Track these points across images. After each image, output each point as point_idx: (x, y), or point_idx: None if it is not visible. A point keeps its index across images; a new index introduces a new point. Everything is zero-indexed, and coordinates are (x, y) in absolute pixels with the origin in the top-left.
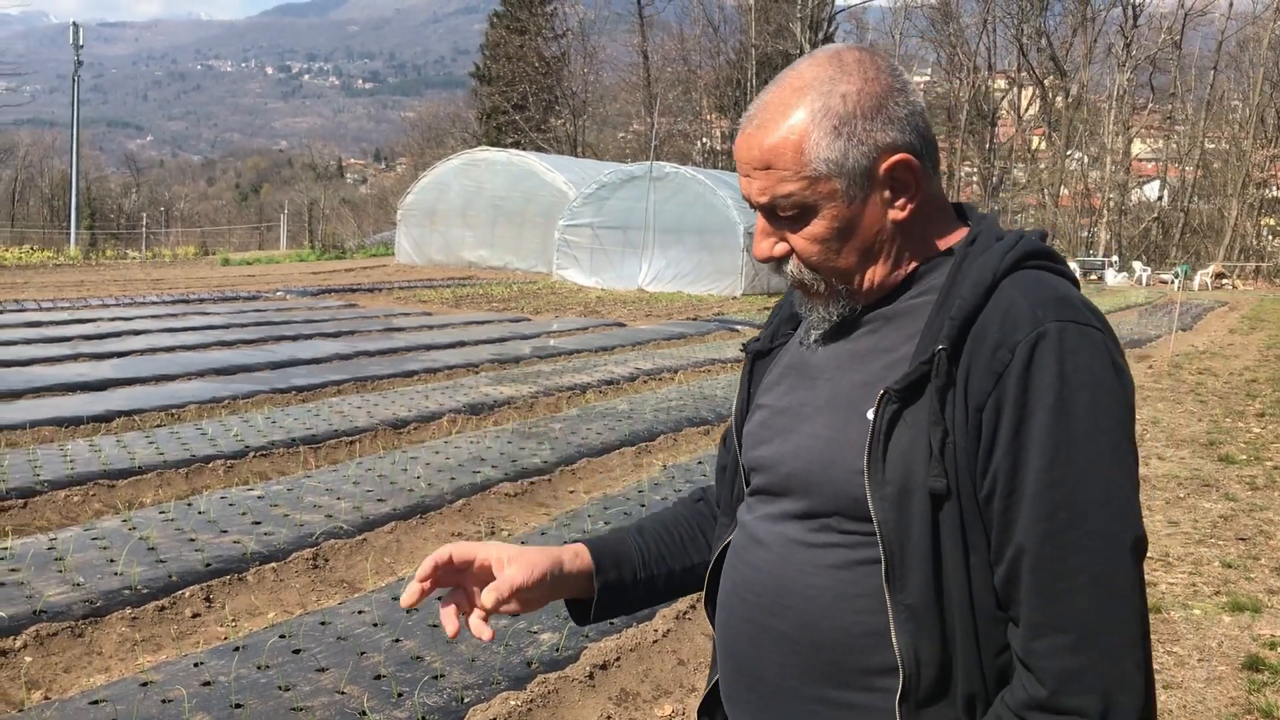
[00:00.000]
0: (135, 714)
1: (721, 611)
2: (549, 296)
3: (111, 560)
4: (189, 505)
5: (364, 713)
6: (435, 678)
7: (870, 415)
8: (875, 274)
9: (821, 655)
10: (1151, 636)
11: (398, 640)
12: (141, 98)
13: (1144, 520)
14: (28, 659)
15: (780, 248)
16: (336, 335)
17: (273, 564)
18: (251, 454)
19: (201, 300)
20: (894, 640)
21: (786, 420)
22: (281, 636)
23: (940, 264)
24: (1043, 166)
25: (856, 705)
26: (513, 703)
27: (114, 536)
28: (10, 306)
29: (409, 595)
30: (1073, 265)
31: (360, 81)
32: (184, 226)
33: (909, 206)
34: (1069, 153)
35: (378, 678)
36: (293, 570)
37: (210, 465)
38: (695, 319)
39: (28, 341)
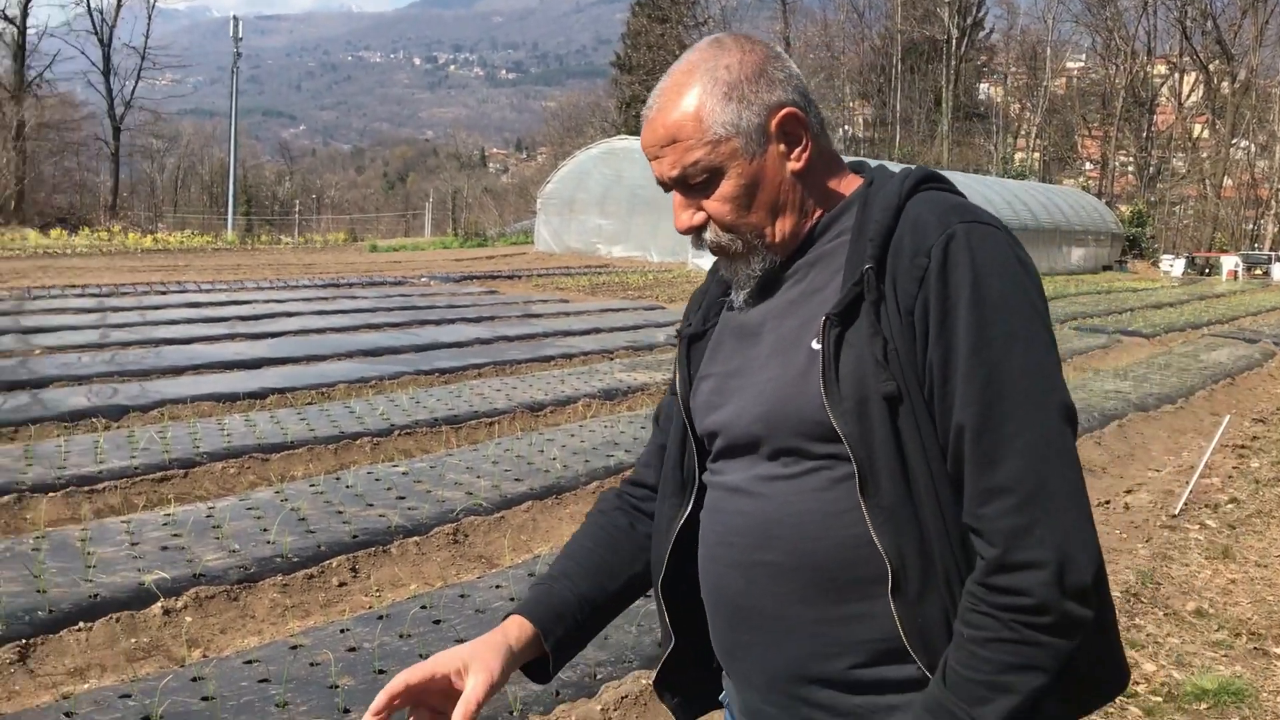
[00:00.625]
0: (285, 674)
1: (707, 566)
2: (684, 285)
3: (265, 529)
4: (337, 479)
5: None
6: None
7: (816, 345)
8: (785, 224)
9: (818, 575)
10: None
11: None
12: (295, 88)
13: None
14: (188, 619)
15: (698, 216)
16: (477, 320)
17: (415, 538)
18: (396, 432)
19: (350, 285)
20: (877, 542)
21: (737, 380)
22: (423, 607)
23: (846, 209)
24: (1204, 155)
25: (856, 615)
26: (644, 681)
27: (267, 507)
28: (173, 288)
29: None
30: (1234, 260)
31: (504, 72)
32: (334, 214)
33: (804, 156)
34: (1234, 141)
35: None
36: (434, 544)
37: (358, 442)
38: None
39: (189, 321)
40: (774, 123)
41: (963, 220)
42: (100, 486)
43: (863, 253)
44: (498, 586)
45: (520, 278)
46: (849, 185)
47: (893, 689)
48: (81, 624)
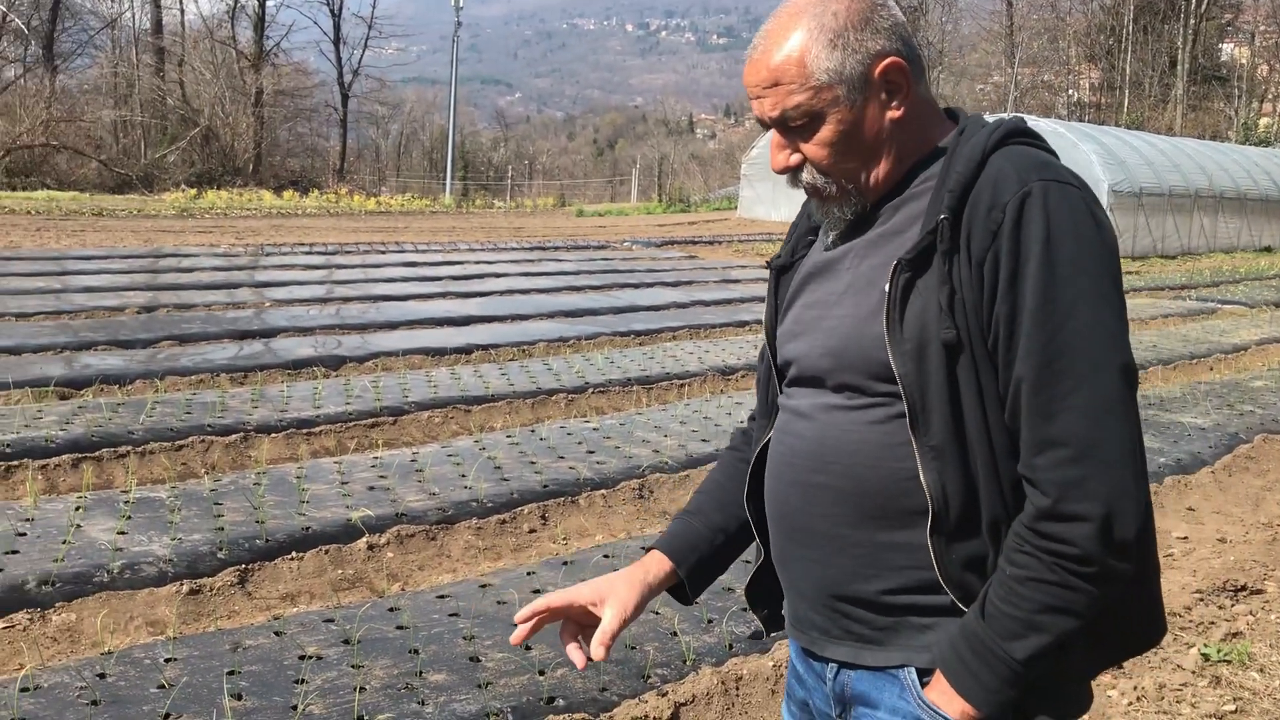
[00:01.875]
0: (473, 610)
1: (771, 483)
2: None
3: (463, 475)
4: (532, 432)
5: (675, 633)
6: (745, 609)
7: (886, 287)
8: (880, 170)
9: (867, 501)
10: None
11: None
12: (512, 56)
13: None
14: (389, 554)
15: (795, 158)
16: (676, 285)
17: (602, 491)
18: (590, 390)
19: (555, 248)
20: (922, 478)
21: (815, 313)
22: (605, 556)
23: (936, 157)
24: None
25: (900, 544)
26: None
27: (466, 454)
28: (392, 248)
29: (516, 636)
30: None
31: (715, 37)
32: (544, 179)
33: (903, 106)
34: None
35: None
36: (620, 498)
37: (553, 397)
38: None
39: (405, 279)
40: (877, 71)
41: (1041, 178)
42: (317, 429)
43: (940, 203)
44: None
45: (721, 243)
46: (943, 133)
47: (924, 613)
48: (294, 553)
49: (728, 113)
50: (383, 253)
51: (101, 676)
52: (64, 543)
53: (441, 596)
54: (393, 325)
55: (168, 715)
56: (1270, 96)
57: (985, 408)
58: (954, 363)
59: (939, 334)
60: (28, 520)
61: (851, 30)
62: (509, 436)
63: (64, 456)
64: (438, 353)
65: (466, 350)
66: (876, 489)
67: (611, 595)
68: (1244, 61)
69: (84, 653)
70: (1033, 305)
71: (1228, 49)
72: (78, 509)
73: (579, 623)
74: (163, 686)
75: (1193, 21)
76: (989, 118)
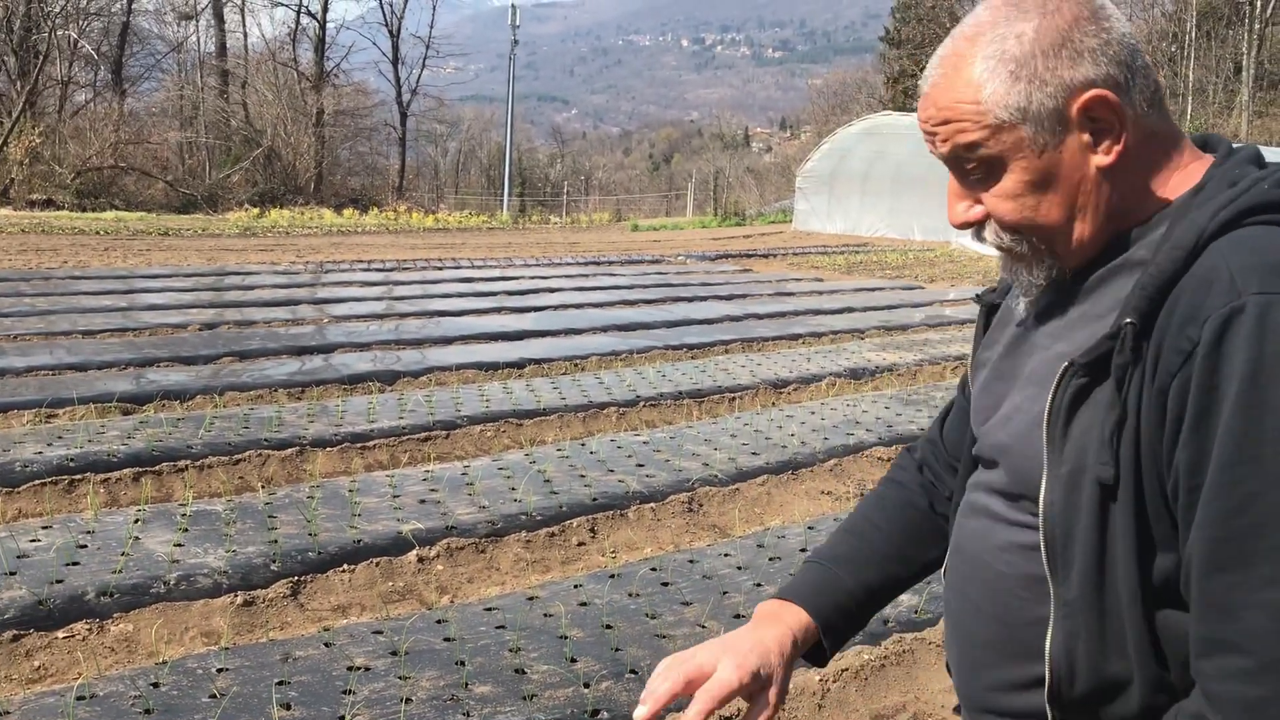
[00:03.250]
0: (519, 623)
1: (946, 571)
2: (946, 265)
3: (513, 488)
4: (582, 445)
5: None
6: None
7: (1051, 394)
8: (1083, 230)
9: (1011, 634)
10: None
11: (759, 584)
12: (568, 73)
13: None
14: (439, 567)
15: (975, 211)
16: (729, 298)
17: (651, 504)
18: (641, 403)
19: (610, 263)
20: (1048, 635)
21: (1001, 387)
22: (653, 569)
23: (1163, 219)
24: None
25: (1026, 695)
26: (866, 656)
27: (516, 468)
28: (449, 264)
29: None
30: None
31: (770, 50)
32: (600, 194)
33: (1115, 149)
34: None
35: (737, 616)
36: (669, 511)
37: (604, 411)
38: None
39: (460, 295)
40: (1075, 108)
41: (1262, 290)
42: (371, 444)
43: (1130, 300)
44: (726, 555)
45: (776, 256)
46: (1181, 181)
47: None
48: (346, 566)
49: (783, 126)
50: (439, 269)
51: (155, 686)
52: (123, 554)
53: (489, 609)
54: (448, 340)
55: None
56: None
57: (1142, 569)
58: (1109, 506)
59: (1094, 468)
60: (88, 533)
61: (1041, 57)
62: (559, 450)
63: (125, 470)
64: (491, 367)
65: (519, 365)
66: (1020, 622)
67: (737, 656)
68: None
69: (140, 662)
70: (1222, 459)
71: None
72: (136, 521)
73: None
74: (214, 696)
75: (1258, 26)
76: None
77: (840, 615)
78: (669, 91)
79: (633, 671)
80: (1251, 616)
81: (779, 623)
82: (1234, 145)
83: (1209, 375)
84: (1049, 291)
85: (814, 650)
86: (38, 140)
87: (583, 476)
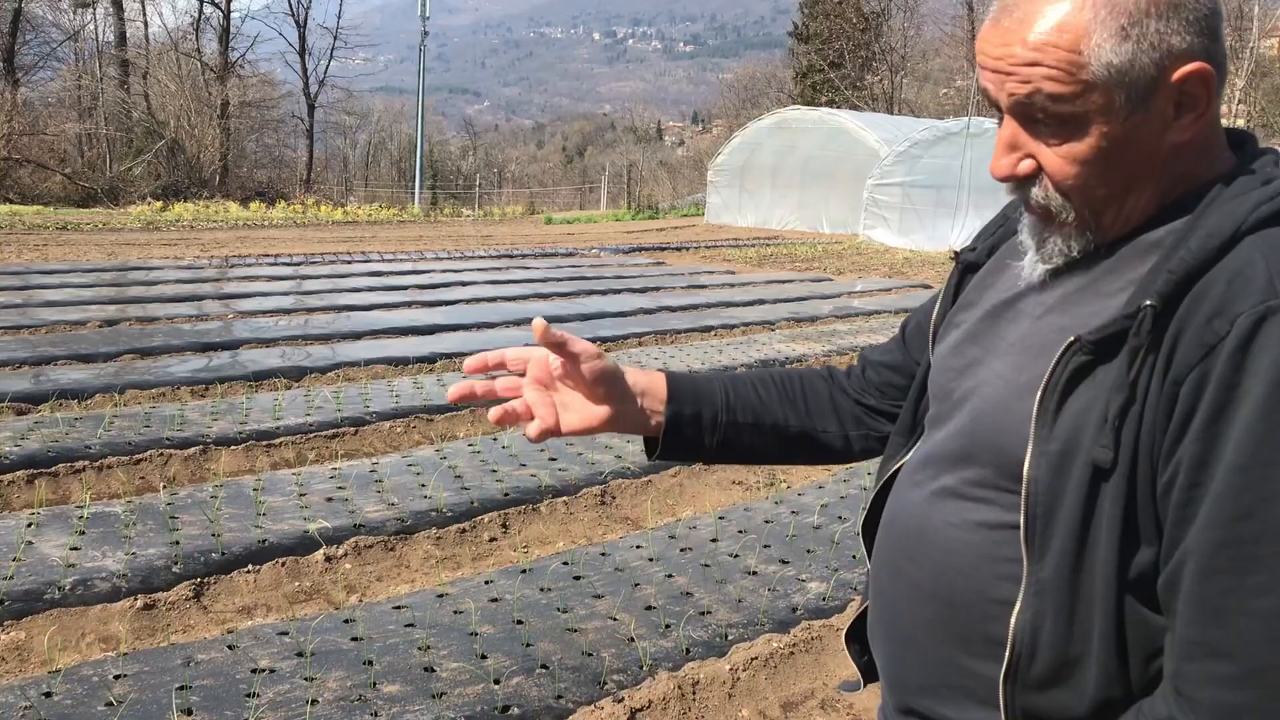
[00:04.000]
0: (429, 620)
1: (875, 544)
2: (854, 257)
3: (423, 485)
4: (494, 440)
5: (632, 639)
6: (702, 614)
7: (1051, 366)
8: (1136, 204)
9: (955, 615)
10: None
11: (670, 576)
12: (479, 65)
13: None
14: (347, 566)
15: (1027, 164)
16: (643, 291)
17: (564, 498)
18: None
19: (523, 256)
20: (1014, 610)
21: (975, 351)
22: (564, 563)
23: (1193, 202)
24: None
25: (981, 674)
26: (775, 644)
27: (426, 464)
28: (358, 258)
29: (454, 392)
30: None
31: (682, 45)
32: (514, 187)
33: (1193, 128)
34: None
35: (648, 608)
36: (582, 504)
37: None
38: None
39: (370, 289)
40: (1175, 77)
41: None
42: (277, 441)
43: (1154, 282)
44: (638, 547)
45: (688, 249)
46: (1215, 170)
47: None
48: (250, 566)
49: (695, 120)
50: (349, 263)
51: (48, 695)
52: (14, 560)
53: (398, 607)
54: (357, 335)
55: None
56: (1225, 98)
57: (1126, 555)
58: (1099, 486)
59: (1091, 449)
60: None
61: (1155, 18)
62: (470, 445)
63: (18, 473)
64: (401, 362)
65: (430, 359)
66: (966, 604)
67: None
68: None
69: (32, 671)
70: (1235, 461)
71: None
72: (30, 525)
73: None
74: (111, 704)
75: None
76: (949, 124)
77: (692, 402)
78: (581, 84)
79: (544, 666)
80: (1243, 623)
81: (652, 379)
82: (1261, 144)
83: (1232, 373)
84: (1067, 267)
85: (659, 436)
86: None
87: (494, 471)
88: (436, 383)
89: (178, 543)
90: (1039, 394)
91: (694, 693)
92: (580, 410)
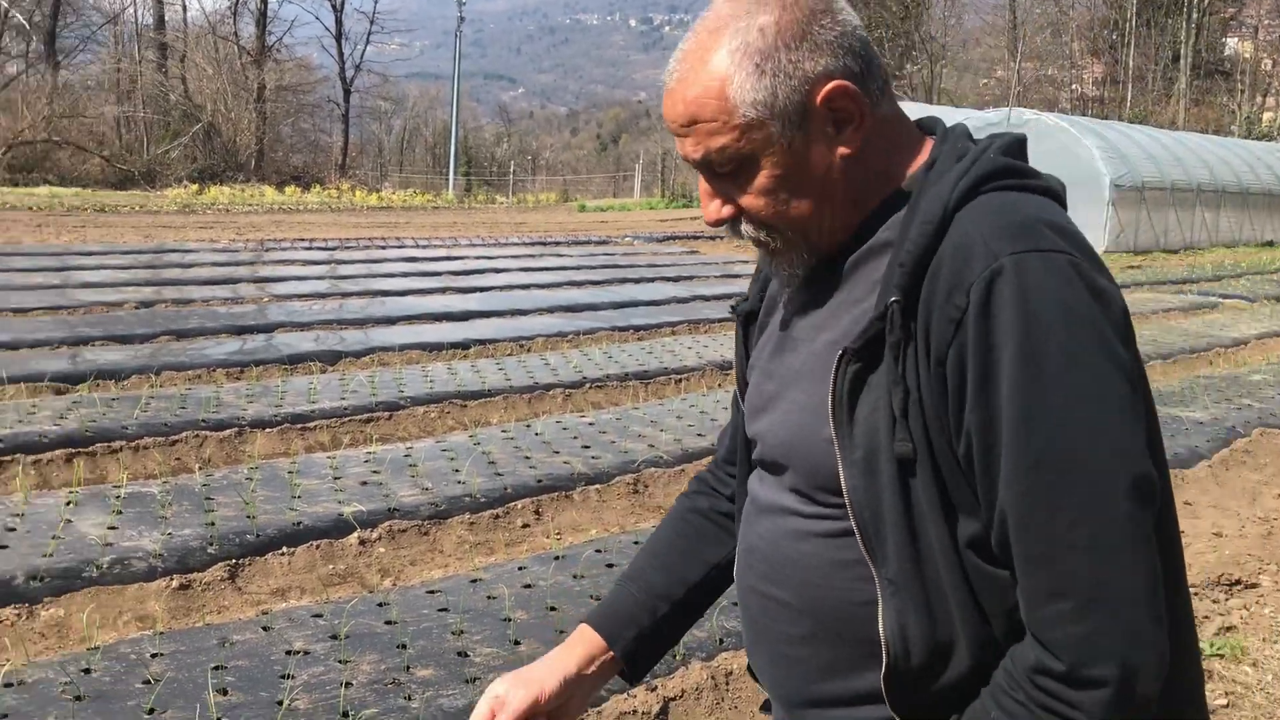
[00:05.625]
0: (462, 605)
1: (737, 579)
2: None
3: (457, 470)
4: (528, 427)
5: None
6: (733, 604)
7: (831, 382)
8: (834, 218)
9: (823, 625)
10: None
11: None
12: (515, 51)
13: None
14: (381, 550)
15: (727, 209)
16: (676, 279)
17: (597, 485)
18: (588, 385)
19: (557, 243)
20: (880, 616)
21: (772, 387)
22: (597, 550)
23: (905, 195)
24: None
25: (866, 675)
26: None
27: (460, 450)
28: (393, 243)
29: None
30: None
31: None
32: (547, 174)
33: (857, 138)
34: None
35: None
36: (614, 493)
37: (550, 392)
38: None
39: (405, 275)
40: (819, 99)
41: (1017, 247)
42: (312, 425)
43: (892, 278)
44: None
45: (722, 239)
46: (913, 162)
47: None
48: (285, 549)
49: None
50: (383, 248)
51: (87, 672)
52: (54, 538)
53: (432, 591)
54: (391, 320)
55: (152, 710)
56: (1273, 91)
57: (954, 536)
58: (909, 482)
59: (891, 445)
60: (18, 515)
61: (784, 50)
62: (504, 432)
63: (57, 452)
64: (435, 348)
65: (464, 345)
66: (832, 612)
67: (528, 685)
68: (1248, 56)
69: (71, 648)
70: (1011, 417)
71: (1231, 43)
72: (69, 504)
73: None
74: (148, 682)
75: (1196, 15)
76: (990, 115)
77: (636, 632)
78: (617, 71)
79: None
80: (1067, 559)
81: (578, 646)
82: (947, 125)
83: (984, 337)
84: (803, 287)
85: (626, 669)
86: None
87: (528, 458)
88: (470, 369)
89: (213, 524)
90: (829, 408)
91: (727, 683)
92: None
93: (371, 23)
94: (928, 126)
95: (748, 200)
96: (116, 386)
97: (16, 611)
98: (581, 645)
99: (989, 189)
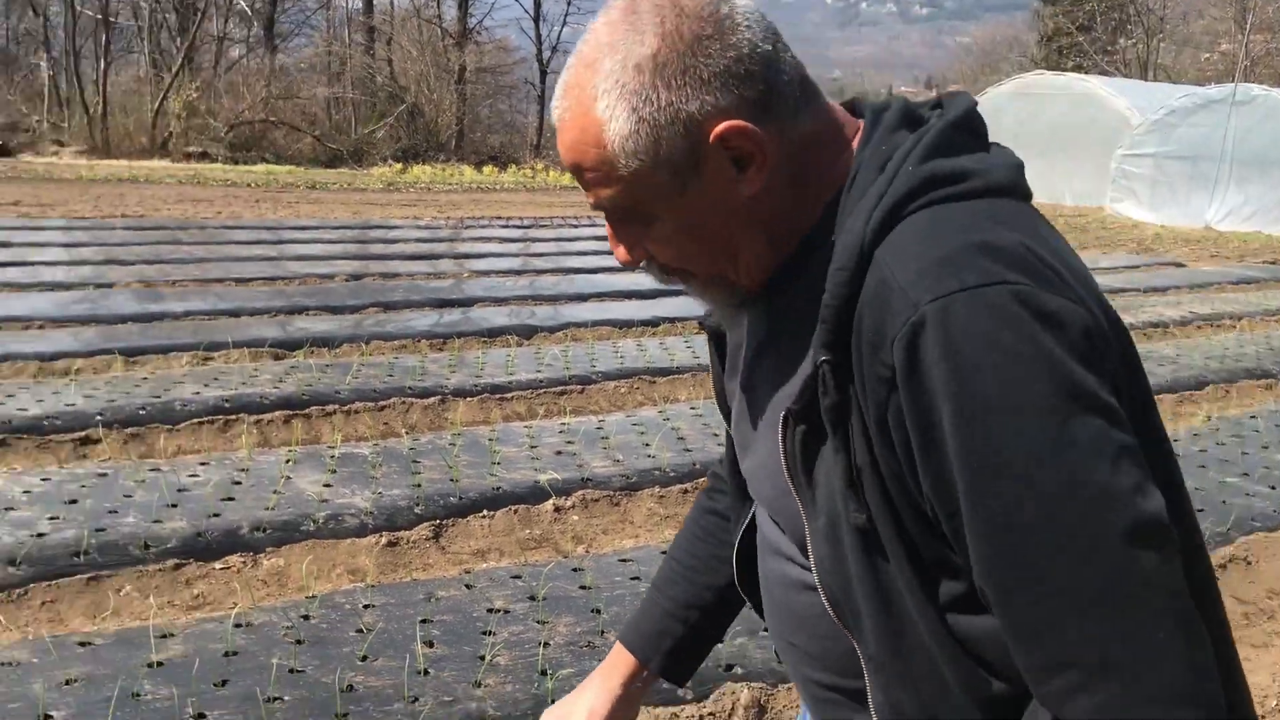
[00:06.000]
0: (652, 574)
1: (762, 589)
2: (1098, 231)
3: (647, 444)
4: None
5: None
6: None
7: (781, 446)
8: (750, 258)
9: (828, 664)
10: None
11: None
12: None
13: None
14: (574, 517)
15: (636, 252)
16: None
17: None
18: None
19: None
20: (869, 696)
21: (744, 428)
22: None
23: (832, 215)
24: None
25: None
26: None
27: (650, 424)
28: (584, 222)
29: None
30: None
31: (918, 8)
32: None
33: (760, 176)
34: None
35: None
36: None
37: None
38: (1275, 263)
39: (595, 253)
40: (710, 139)
41: (937, 295)
42: (509, 395)
43: (819, 334)
44: None
45: None
46: (838, 169)
47: None
48: (485, 512)
49: (929, 85)
50: (575, 226)
51: (306, 618)
52: (275, 493)
53: (624, 560)
54: (583, 297)
55: (365, 658)
56: None
57: (935, 603)
58: (873, 552)
59: (848, 516)
60: (243, 470)
61: (662, 89)
62: (692, 408)
63: (276, 413)
64: (625, 324)
65: (653, 323)
66: (844, 666)
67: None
68: None
69: (290, 595)
70: (964, 485)
71: None
72: (288, 461)
73: None
74: (361, 630)
75: None
76: (1212, 91)
77: (670, 644)
78: (812, 49)
79: (766, 629)
80: (1061, 628)
81: (620, 666)
82: (879, 109)
83: (917, 400)
84: (761, 319)
85: (668, 679)
86: (194, 95)
87: (716, 435)
88: (659, 346)
89: (419, 485)
90: (786, 474)
91: None
92: None
93: (569, 3)
94: (858, 113)
95: (653, 248)
96: (329, 353)
97: (242, 559)
98: (623, 665)
99: (912, 209)
